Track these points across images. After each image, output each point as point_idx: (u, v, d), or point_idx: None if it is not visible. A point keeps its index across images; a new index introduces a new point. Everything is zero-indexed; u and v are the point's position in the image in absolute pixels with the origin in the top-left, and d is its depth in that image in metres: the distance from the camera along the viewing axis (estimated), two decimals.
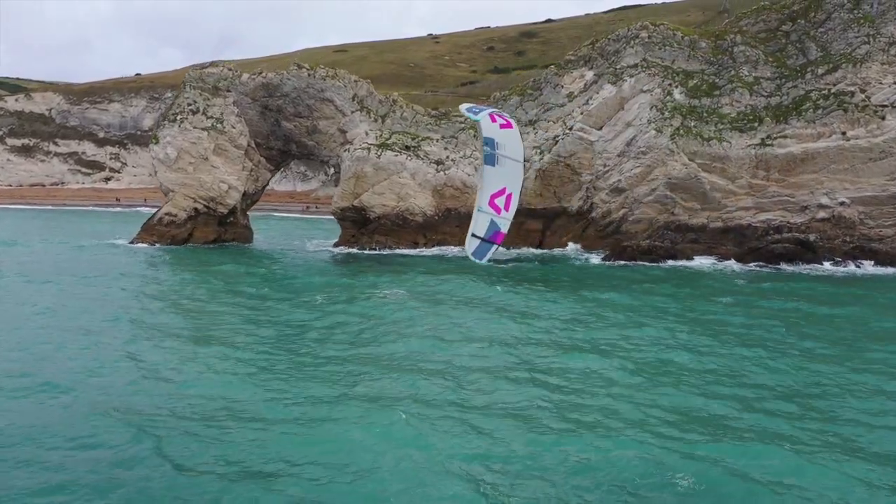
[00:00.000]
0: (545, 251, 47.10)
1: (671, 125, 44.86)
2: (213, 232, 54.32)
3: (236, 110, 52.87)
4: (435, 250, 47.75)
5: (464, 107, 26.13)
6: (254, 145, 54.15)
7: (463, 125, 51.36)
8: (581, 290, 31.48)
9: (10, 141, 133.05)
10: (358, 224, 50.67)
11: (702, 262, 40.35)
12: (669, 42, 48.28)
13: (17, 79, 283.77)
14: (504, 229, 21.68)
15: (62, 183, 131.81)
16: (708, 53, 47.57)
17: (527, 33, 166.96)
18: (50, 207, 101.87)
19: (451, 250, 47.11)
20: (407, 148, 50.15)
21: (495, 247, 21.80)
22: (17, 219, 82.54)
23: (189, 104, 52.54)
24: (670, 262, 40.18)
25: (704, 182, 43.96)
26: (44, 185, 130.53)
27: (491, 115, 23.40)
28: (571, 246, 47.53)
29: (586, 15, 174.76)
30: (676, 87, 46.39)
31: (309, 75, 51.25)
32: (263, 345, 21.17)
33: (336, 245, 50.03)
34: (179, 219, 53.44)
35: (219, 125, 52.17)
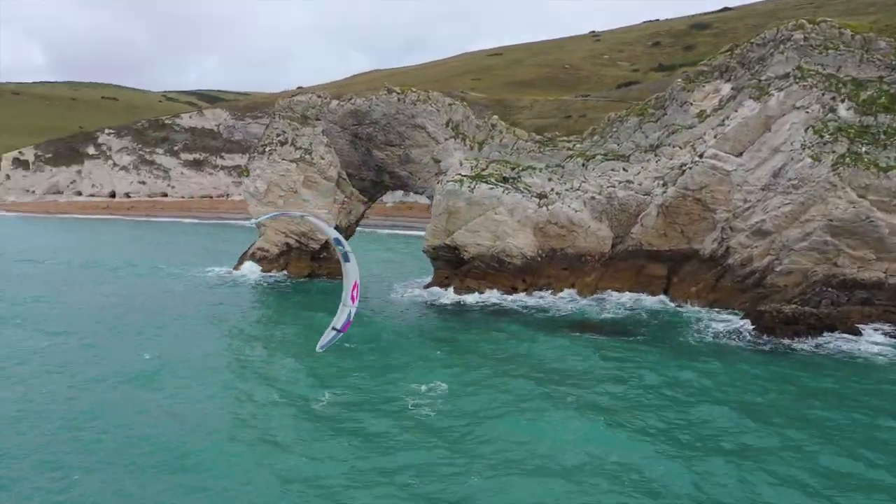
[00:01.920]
0: (665, 307, 38.85)
1: (833, 151, 35.05)
2: (306, 267, 51.31)
3: (325, 140, 49.33)
4: (535, 299, 41.14)
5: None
6: (345, 176, 50.39)
7: (571, 152, 44.18)
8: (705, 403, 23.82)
9: (184, 155, 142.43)
10: (452, 264, 45.17)
11: (874, 340, 30.44)
12: (834, 43, 38.12)
13: (219, 90, 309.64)
14: (353, 318, 18.94)
15: (227, 195, 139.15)
16: (890, 56, 36.94)
17: (698, 25, 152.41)
18: (195, 221, 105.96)
19: (552, 302, 40.31)
20: (504, 180, 43.88)
21: (341, 334, 17.16)
22: (170, 233, 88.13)
23: (278, 135, 49.76)
24: (825, 337, 30.68)
25: (881, 225, 33.84)
26: (211, 197, 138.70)
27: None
28: (693, 303, 38.89)
29: (768, 0, 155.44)
30: (842, 101, 36.32)
31: (399, 100, 46.48)
32: None
33: (428, 286, 44.84)
34: (272, 254, 50.97)
35: (307, 156, 48.90)
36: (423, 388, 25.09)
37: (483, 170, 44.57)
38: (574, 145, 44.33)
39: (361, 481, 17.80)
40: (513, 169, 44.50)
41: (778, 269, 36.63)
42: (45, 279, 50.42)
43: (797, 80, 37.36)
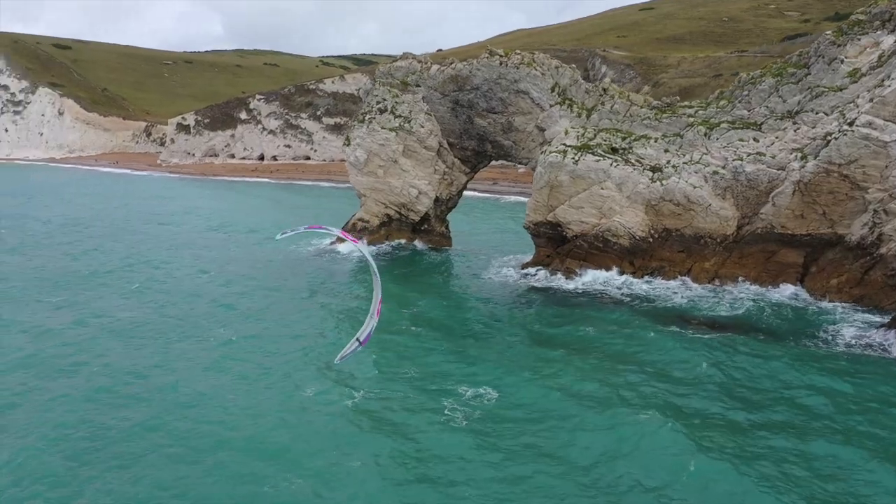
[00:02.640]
0: (798, 302, 33.39)
1: None
2: (407, 239, 49.82)
3: (425, 107, 46.96)
4: (642, 284, 36.96)
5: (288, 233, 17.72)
6: (447, 145, 47.91)
7: (692, 119, 38.89)
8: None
9: (326, 119, 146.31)
10: (555, 242, 41.75)
11: None
12: None
13: (372, 55, 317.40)
14: (373, 332, 16.66)
15: None
16: None
17: None
18: (331, 185, 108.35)
19: (661, 289, 35.97)
20: (613, 150, 39.49)
21: (361, 347, 16.53)
22: (307, 196, 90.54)
23: (378, 102, 47.96)
24: None
25: None
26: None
27: (343, 232, 17.92)
28: (835, 298, 33.08)
29: None
30: None
31: (501, 64, 43.00)
32: None
33: (526, 266, 41.72)
34: (372, 225, 49.78)
35: (406, 124, 46.81)
36: (494, 389, 22.58)
37: (590, 139, 40.40)
38: (696, 111, 38.97)
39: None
40: (624, 139, 39.96)
41: None
42: (168, 242, 52.48)
43: None
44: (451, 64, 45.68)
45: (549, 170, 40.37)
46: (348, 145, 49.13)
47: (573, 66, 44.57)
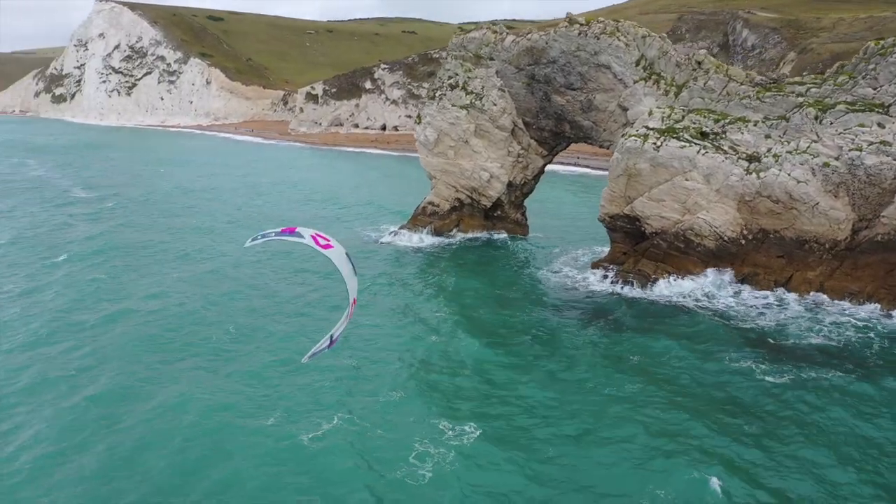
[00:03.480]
0: None
1: None
2: (479, 226, 46.47)
3: (499, 83, 42.86)
4: (726, 295, 31.46)
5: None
6: (522, 125, 43.67)
7: (801, 99, 32.10)
8: None
9: None
10: (633, 237, 36.79)
11: None
12: None
13: (513, 20, 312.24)
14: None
15: None
16: None
17: None
18: None
19: (748, 304, 30.34)
20: (703, 135, 33.66)
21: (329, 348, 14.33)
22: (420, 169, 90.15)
23: (449, 77, 44.47)
24: None
25: None
26: None
27: (314, 237, 14.83)
28: None
29: None
30: None
31: (580, 34, 37.96)
32: None
33: (598, 264, 37.13)
34: (442, 209, 46.84)
35: (478, 102, 43.06)
36: (537, 415, 19.23)
37: (677, 121, 34.72)
38: (808, 89, 32.12)
39: None
40: (717, 121, 33.93)
41: None
42: (242, 213, 52.83)
43: None
44: (527, 34, 41.15)
45: (626, 156, 35.27)
46: (419, 123, 46.19)
47: (663, 35, 38.47)
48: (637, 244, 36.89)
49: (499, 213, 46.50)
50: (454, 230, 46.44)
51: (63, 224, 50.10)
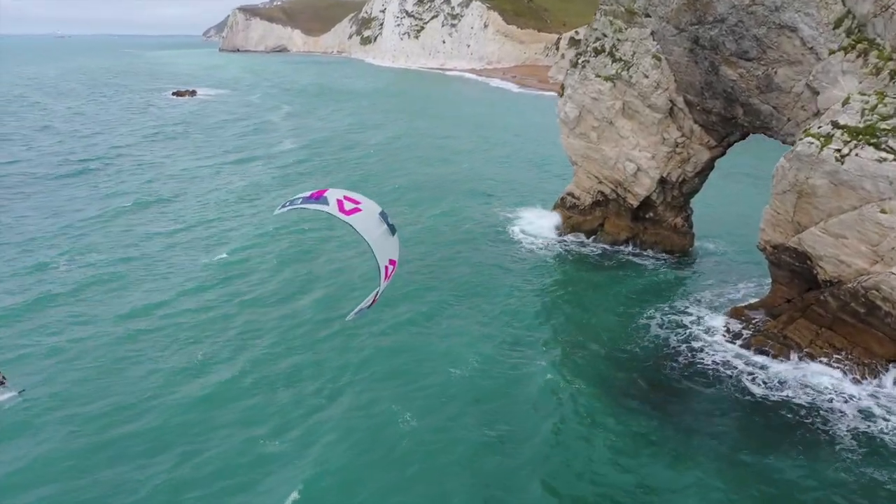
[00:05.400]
0: None
1: None
2: (625, 228, 37.36)
3: (654, 48, 32.51)
4: None
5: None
6: (684, 105, 32.99)
7: None
8: None
9: None
10: (805, 279, 25.69)
11: None
12: None
13: None
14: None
15: None
16: None
17: None
18: None
19: None
20: None
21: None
22: None
23: (596, 39, 35.00)
24: None
25: None
26: None
27: (339, 202, 12.89)
28: None
29: None
30: None
31: None
32: None
33: (741, 311, 26.86)
34: (583, 203, 38.57)
35: (625, 73, 33.35)
36: None
37: (886, 117, 22.47)
38: None
39: None
40: None
41: None
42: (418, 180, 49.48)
43: None
44: None
45: (795, 165, 24.09)
46: (561, 95, 37.60)
47: None
48: (809, 289, 25.65)
49: (651, 214, 36.63)
50: (597, 229, 37.88)
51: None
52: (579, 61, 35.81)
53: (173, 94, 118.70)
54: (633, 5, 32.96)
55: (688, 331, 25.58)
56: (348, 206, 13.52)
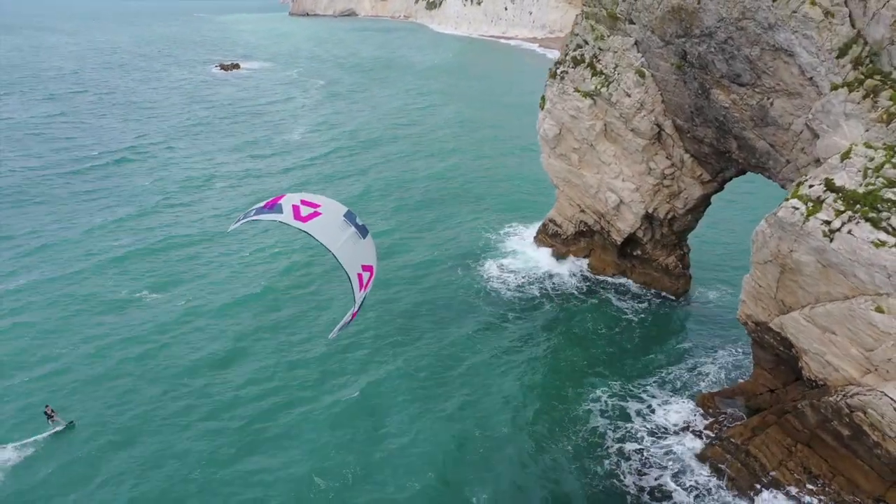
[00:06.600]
0: None
1: None
2: (611, 265, 32.47)
3: (638, 61, 27.15)
4: None
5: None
6: (672, 130, 27.63)
7: None
8: None
9: None
10: (789, 367, 20.77)
11: None
12: None
13: None
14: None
15: None
16: None
17: None
18: None
19: None
20: None
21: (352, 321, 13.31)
22: None
23: (577, 45, 29.73)
24: None
25: None
26: None
27: (296, 208, 12.21)
28: None
29: None
30: None
31: None
32: None
33: (711, 399, 22.15)
34: (566, 232, 33.87)
35: (605, 88, 28.14)
36: None
37: (889, 181, 17.10)
38: None
39: None
40: None
41: None
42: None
43: None
44: None
45: (777, 233, 19.03)
46: (542, 108, 32.56)
47: None
48: (797, 379, 20.73)
49: (637, 252, 31.56)
50: (581, 262, 33.16)
51: None
52: (558, 71, 30.66)
53: (217, 66, 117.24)
54: (615, 9, 27.52)
55: (633, 427, 20.96)
56: (305, 210, 12.66)
